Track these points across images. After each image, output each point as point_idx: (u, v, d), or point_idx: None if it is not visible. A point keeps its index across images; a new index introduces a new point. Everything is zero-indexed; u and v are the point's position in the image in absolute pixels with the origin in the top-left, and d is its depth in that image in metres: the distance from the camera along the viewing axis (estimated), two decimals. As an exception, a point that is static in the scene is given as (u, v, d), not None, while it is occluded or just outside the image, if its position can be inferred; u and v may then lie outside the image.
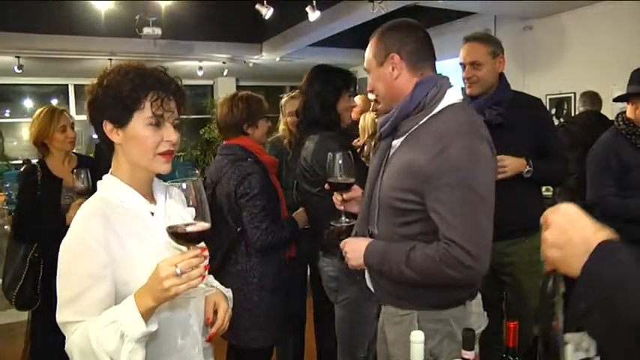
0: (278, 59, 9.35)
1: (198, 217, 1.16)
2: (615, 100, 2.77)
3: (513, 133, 2.34)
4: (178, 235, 1.15)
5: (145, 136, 1.29)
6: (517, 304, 2.46)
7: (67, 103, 10.34)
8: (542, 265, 2.48)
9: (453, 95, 1.55)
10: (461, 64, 2.47)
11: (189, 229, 1.14)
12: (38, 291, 2.63)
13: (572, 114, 6.39)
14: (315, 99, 2.38)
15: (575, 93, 6.29)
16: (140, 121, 1.29)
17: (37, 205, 2.62)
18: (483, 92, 2.44)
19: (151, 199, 1.41)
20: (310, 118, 2.37)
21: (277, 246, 2.35)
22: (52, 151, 2.69)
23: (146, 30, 7.28)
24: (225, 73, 10.06)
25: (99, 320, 1.17)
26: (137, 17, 7.36)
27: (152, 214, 1.38)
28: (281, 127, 3.34)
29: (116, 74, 1.28)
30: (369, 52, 1.69)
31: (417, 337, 1.25)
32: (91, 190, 2.61)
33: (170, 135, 1.32)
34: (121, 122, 1.29)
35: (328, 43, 8.50)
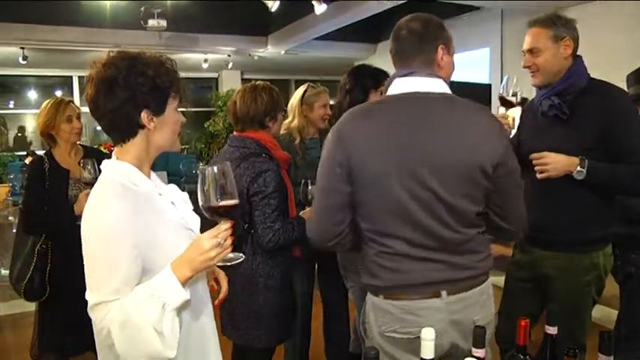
0: (283, 52, 9.41)
1: (227, 195, 1.28)
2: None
3: (575, 127, 2.07)
4: (214, 210, 1.28)
5: (176, 119, 1.41)
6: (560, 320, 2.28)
7: (72, 94, 10.38)
8: (589, 289, 2.18)
9: (394, 87, 1.62)
10: (523, 52, 2.23)
11: (222, 203, 1.28)
12: (47, 282, 2.64)
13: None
14: (344, 98, 2.52)
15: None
16: (172, 107, 1.40)
17: (46, 197, 2.60)
18: (549, 81, 2.18)
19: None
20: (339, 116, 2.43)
21: (287, 246, 2.31)
22: (58, 142, 2.69)
23: (151, 22, 7.30)
24: (230, 66, 10.11)
25: (134, 295, 1.25)
26: (142, 9, 7.40)
27: (160, 195, 1.44)
28: (295, 122, 3.06)
29: (156, 64, 1.34)
30: None
31: (428, 334, 1.20)
32: (99, 181, 2.67)
33: (182, 118, 1.45)
34: (160, 110, 1.37)
35: (334, 37, 8.51)
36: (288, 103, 3.08)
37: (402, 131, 1.53)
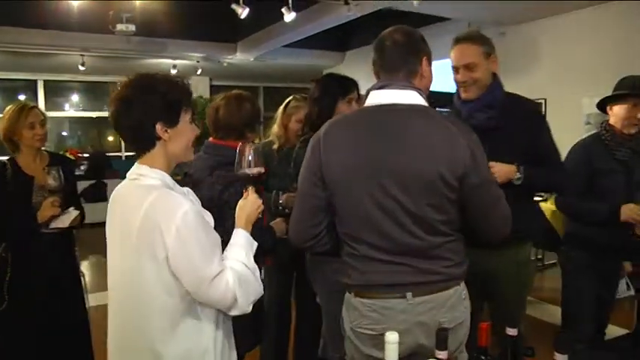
0: (252, 59, 9.32)
1: (255, 166, 1.70)
2: (598, 105, 2.76)
3: (506, 138, 2.22)
4: (249, 178, 1.70)
5: (190, 130, 1.60)
6: (499, 315, 2.36)
7: (36, 98, 10.10)
8: (529, 278, 2.48)
9: (369, 99, 1.70)
10: (453, 67, 2.33)
11: (254, 172, 1.70)
12: (5, 292, 2.55)
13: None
14: (313, 107, 2.51)
15: (545, 99, 6.43)
16: (185, 119, 1.57)
17: (8, 203, 2.54)
18: (478, 95, 2.31)
19: None
20: (309, 125, 2.48)
21: (256, 255, 2.29)
22: (21, 148, 2.63)
23: (119, 26, 7.17)
24: (199, 72, 9.96)
25: (234, 257, 1.55)
26: (111, 13, 7.26)
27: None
28: (274, 130, 3.07)
29: (167, 82, 1.54)
30: None
31: (391, 338, 1.25)
32: (64, 187, 2.55)
33: (197, 129, 1.63)
34: (173, 122, 1.54)
35: (303, 45, 8.53)
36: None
37: (369, 142, 1.61)
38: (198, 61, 9.48)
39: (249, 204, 1.69)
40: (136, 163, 1.60)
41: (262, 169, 1.71)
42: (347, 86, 2.54)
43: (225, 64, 9.66)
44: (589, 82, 4.98)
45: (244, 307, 1.53)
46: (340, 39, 9.21)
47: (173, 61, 9.32)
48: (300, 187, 1.75)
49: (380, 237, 1.61)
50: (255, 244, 1.65)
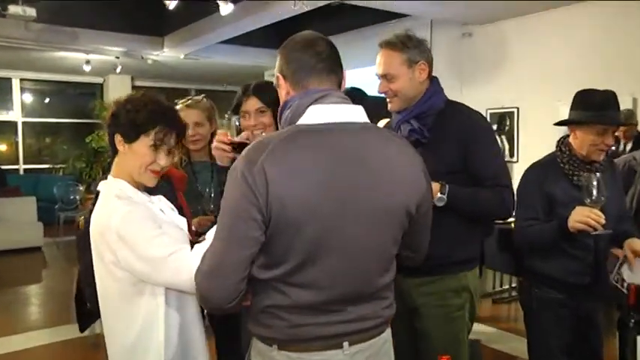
0: (182, 57, 9.27)
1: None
2: (556, 124, 2.74)
3: (435, 152, 2.23)
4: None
5: (143, 154, 1.87)
6: (427, 357, 2.35)
7: None
8: (462, 312, 2.40)
9: (311, 116, 1.61)
10: (377, 75, 2.38)
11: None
12: None
13: (515, 131, 6.68)
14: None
15: (518, 108, 6.60)
16: (144, 143, 1.86)
17: None
18: (407, 105, 2.35)
19: None
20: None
21: None
22: None
23: (13, 9, 6.66)
24: (118, 70, 9.78)
25: (202, 246, 1.69)
26: (2, -9, 6.88)
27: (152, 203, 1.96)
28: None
29: (138, 102, 1.88)
30: None
31: None
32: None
33: (161, 159, 1.90)
34: (130, 139, 1.87)
35: (241, 42, 8.44)
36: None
37: (332, 171, 1.56)
38: (117, 57, 9.28)
39: None
40: None
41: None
42: (238, 98, 2.50)
43: (149, 62, 9.52)
44: (565, 88, 5.07)
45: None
46: (284, 36, 9.01)
47: (86, 56, 9.07)
48: (227, 229, 1.59)
49: (330, 279, 1.59)
50: None
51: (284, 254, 1.58)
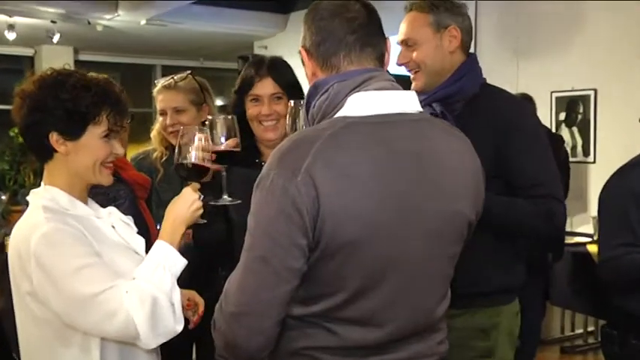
0: (144, 22, 9.11)
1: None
2: None
3: None
4: (188, 168, 2.17)
5: (97, 147, 1.94)
6: None
7: None
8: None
9: (356, 106, 1.69)
10: (398, 43, 2.44)
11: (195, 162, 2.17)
12: None
13: (591, 121, 6.65)
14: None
15: (595, 91, 6.49)
16: (93, 134, 1.93)
17: None
18: (433, 84, 2.43)
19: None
20: None
21: None
22: None
23: None
24: (55, 38, 9.70)
25: (141, 271, 1.86)
26: None
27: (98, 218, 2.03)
28: (153, 132, 3.23)
29: (73, 86, 1.90)
30: None
31: None
32: None
33: (118, 149, 1.99)
34: (73, 134, 1.91)
35: (225, 3, 8.45)
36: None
37: (387, 174, 1.64)
38: (53, 22, 9.17)
39: (179, 201, 1.99)
40: None
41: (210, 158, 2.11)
42: (247, 78, 2.64)
43: (99, 28, 9.40)
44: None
45: (147, 338, 1.77)
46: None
47: (9, 19, 8.93)
48: (259, 261, 1.63)
49: (386, 312, 1.68)
50: (182, 261, 1.91)
51: (333, 284, 1.65)
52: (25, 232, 1.86)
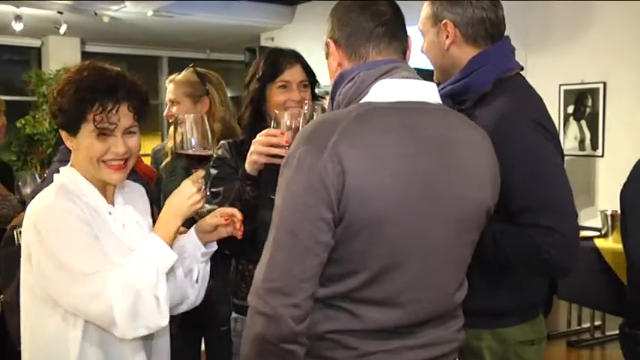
0: (150, 13, 9.20)
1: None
2: None
3: None
4: (191, 157, 2.13)
5: (89, 145, 1.94)
6: None
7: None
8: None
9: (381, 92, 1.74)
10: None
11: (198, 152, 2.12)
12: None
13: (600, 115, 6.60)
14: (250, 103, 2.69)
15: (604, 84, 6.45)
16: (86, 132, 1.93)
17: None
18: (442, 79, 2.38)
19: (110, 200, 2.09)
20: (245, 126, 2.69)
21: None
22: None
23: None
24: (62, 29, 9.70)
25: (128, 262, 1.84)
26: None
27: (110, 213, 2.05)
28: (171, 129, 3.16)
29: (65, 81, 1.96)
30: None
31: None
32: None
33: (117, 147, 1.94)
34: (71, 131, 1.97)
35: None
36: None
37: (413, 156, 1.68)
38: (60, 12, 9.21)
39: (177, 194, 1.97)
40: None
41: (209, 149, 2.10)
42: (277, 64, 2.64)
43: (106, 19, 9.41)
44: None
45: (125, 329, 1.79)
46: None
47: (16, 10, 8.93)
48: (288, 236, 1.67)
49: (409, 294, 1.73)
50: (172, 256, 1.91)
51: (356, 263, 1.69)
52: (35, 202, 1.93)
